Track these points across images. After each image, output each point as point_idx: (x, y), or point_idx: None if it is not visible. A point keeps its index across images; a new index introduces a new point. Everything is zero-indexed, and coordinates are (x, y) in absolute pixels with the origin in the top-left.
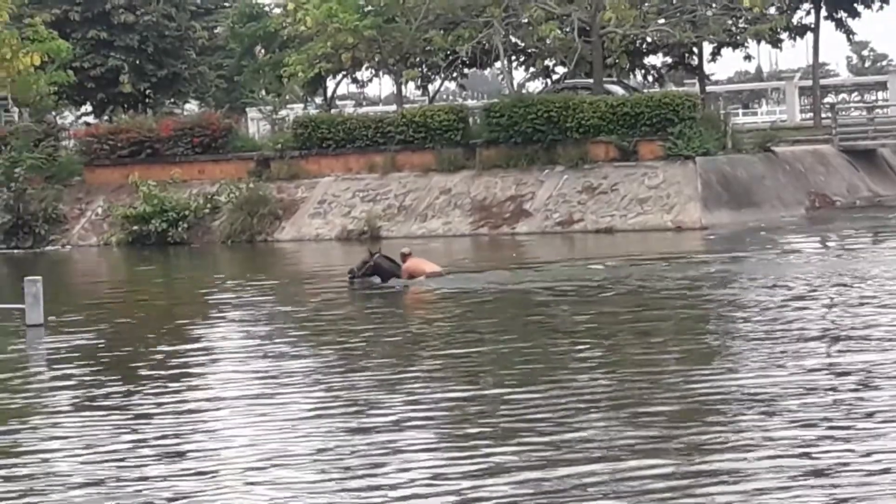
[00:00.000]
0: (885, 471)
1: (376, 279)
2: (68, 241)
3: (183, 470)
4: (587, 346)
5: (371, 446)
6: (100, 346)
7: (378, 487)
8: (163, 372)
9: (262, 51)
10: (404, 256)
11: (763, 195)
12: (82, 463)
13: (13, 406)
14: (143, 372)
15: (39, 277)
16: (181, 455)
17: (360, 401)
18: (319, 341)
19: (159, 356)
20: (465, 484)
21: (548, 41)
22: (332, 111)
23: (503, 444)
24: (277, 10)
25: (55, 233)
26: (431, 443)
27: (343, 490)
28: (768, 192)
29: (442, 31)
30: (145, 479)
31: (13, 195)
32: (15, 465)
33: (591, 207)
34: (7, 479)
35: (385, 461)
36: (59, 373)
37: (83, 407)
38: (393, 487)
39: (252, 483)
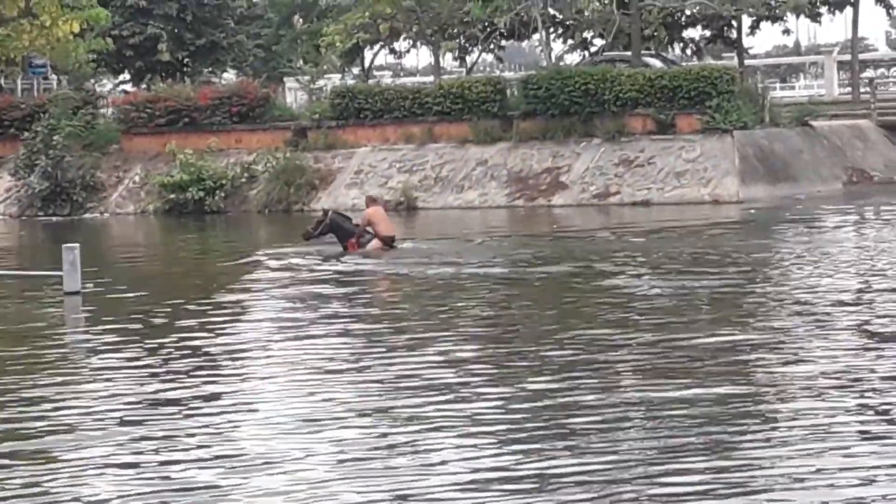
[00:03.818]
0: None
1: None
2: (105, 209)
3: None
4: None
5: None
6: (137, 313)
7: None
8: (198, 337)
9: (301, 20)
10: (370, 200)
11: (800, 169)
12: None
13: (52, 370)
14: (178, 337)
15: (77, 245)
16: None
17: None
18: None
19: (196, 322)
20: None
21: (586, 13)
22: (370, 81)
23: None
24: None
25: (92, 200)
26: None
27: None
28: (805, 167)
29: (480, 3)
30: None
31: (51, 162)
32: (57, 428)
33: (628, 180)
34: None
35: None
36: (96, 339)
37: (119, 370)
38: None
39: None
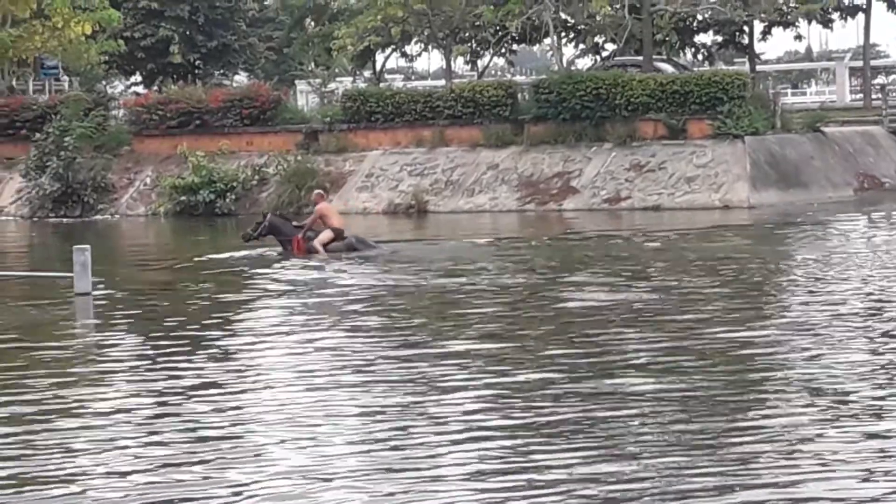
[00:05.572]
0: None
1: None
2: (116, 211)
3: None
4: None
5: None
6: (148, 314)
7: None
8: (211, 338)
9: (312, 23)
10: (319, 196)
11: (811, 175)
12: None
13: (66, 370)
14: (191, 338)
15: (88, 246)
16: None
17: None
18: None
19: (207, 323)
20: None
21: (598, 18)
22: (381, 85)
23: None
24: None
25: (103, 202)
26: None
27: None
28: (816, 173)
29: (492, 7)
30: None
31: (63, 164)
32: (65, 431)
33: (639, 185)
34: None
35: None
36: (106, 341)
37: (130, 371)
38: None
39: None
